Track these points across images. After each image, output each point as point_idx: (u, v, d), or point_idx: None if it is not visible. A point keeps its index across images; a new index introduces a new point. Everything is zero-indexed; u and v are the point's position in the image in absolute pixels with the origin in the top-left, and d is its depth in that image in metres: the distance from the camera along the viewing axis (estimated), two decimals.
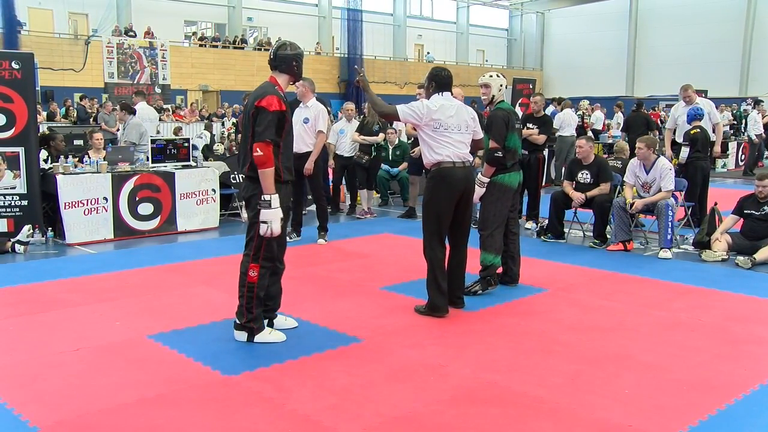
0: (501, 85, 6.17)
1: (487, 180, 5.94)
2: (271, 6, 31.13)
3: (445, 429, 3.46)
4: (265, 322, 4.82)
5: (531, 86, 13.40)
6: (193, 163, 9.40)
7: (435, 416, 3.59)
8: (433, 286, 5.30)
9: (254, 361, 4.33)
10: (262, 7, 30.77)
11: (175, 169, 8.96)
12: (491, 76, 6.17)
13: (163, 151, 9.03)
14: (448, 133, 5.23)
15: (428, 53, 37.56)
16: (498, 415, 3.61)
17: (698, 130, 8.95)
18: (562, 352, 4.54)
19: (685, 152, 8.97)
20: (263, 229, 4.46)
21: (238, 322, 4.71)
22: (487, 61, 41.08)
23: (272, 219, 4.45)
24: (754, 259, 7.08)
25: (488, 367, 4.28)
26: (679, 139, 9.52)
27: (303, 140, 7.83)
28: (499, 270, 6.15)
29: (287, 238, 5.98)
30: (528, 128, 9.33)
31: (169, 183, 8.79)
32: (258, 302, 4.64)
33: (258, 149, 4.38)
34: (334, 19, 33.32)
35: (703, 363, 4.39)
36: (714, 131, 9.64)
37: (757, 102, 19.16)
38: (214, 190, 9.20)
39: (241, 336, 4.70)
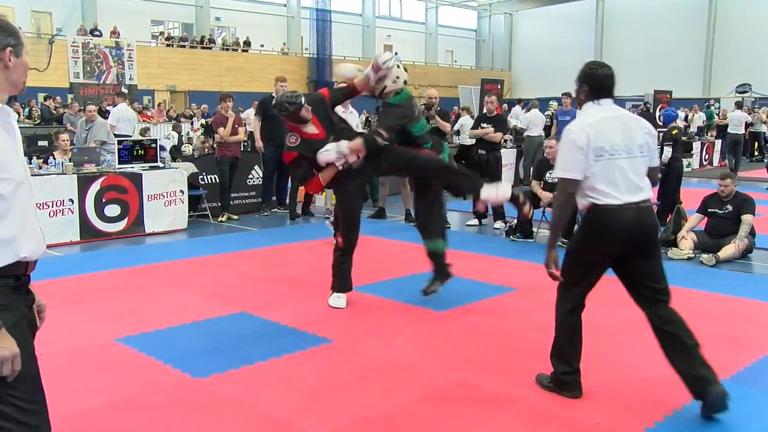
0: (397, 77, 5.75)
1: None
2: (239, 6, 30.92)
3: (415, 429, 3.47)
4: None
5: (499, 86, 13.49)
6: (161, 164, 9.31)
7: (405, 416, 3.60)
8: (558, 355, 3.92)
9: (223, 363, 4.30)
10: (230, 7, 30.55)
11: (143, 170, 8.86)
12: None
13: (130, 152, 8.93)
14: (612, 160, 3.62)
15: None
16: (468, 414, 3.63)
17: (678, 130, 9.17)
18: (531, 351, 4.57)
19: (667, 152, 9.19)
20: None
21: None
22: (456, 61, 41.27)
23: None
24: (718, 256, 7.20)
25: (458, 367, 4.29)
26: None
27: None
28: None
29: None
30: (482, 128, 9.40)
31: (136, 184, 8.68)
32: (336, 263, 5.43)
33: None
34: (303, 19, 33.21)
35: None
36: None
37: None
38: (182, 191, 9.11)
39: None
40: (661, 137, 9.29)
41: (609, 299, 5.86)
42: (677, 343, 3.68)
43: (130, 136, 11.30)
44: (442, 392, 3.92)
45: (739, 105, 19.13)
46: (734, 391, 3.96)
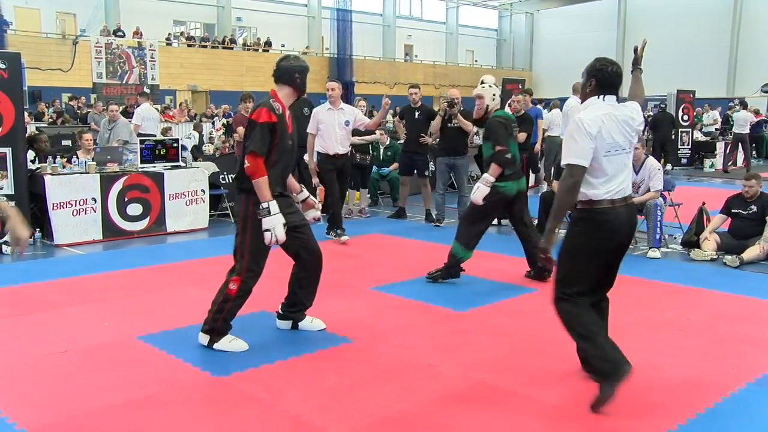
0: (494, 95, 6.35)
1: (493, 180, 6.09)
2: (260, 6, 31.06)
3: (435, 429, 3.46)
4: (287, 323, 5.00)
5: (520, 86, 13.39)
6: (183, 164, 9.37)
7: (425, 416, 3.59)
8: (593, 347, 3.76)
9: (244, 361, 4.32)
10: (251, 7, 30.70)
11: (164, 169, 8.93)
12: (483, 86, 6.32)
13: (152, 151, 9.01)
14: (617, 156, 3.73)
15: (412, 55, 37.49)
16: (488, 414, 3.62)
17: None
18: (552, 352, 4.55)
19: None
20: (267, 237, 4.42)
21: (204, 326, 4.62)
22: (476, 61, 41.13)
23: (274, 225, 4.41)
24: (742, 258, 7.11)
25: (478, 367, 4.28)
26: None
27: (343, 142, 8.28)
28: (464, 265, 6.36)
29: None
30: None
31: (158, 183, 8.75)
32: (227, 315, 4.54)
33: (247, 161, 4.42)
34: (324, 19, 33.30)
35: (691, 362, 4.41)
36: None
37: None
38: (203, 191, 9.17)
39: (204, 339, 4.59)
40: None
41: (629, 301, 5.83)
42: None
43: (155, 135, 11.42)
44: (462, 392, 3.90)
45: (744, 105, 19.20)
46: (759, 395, 3.92)
